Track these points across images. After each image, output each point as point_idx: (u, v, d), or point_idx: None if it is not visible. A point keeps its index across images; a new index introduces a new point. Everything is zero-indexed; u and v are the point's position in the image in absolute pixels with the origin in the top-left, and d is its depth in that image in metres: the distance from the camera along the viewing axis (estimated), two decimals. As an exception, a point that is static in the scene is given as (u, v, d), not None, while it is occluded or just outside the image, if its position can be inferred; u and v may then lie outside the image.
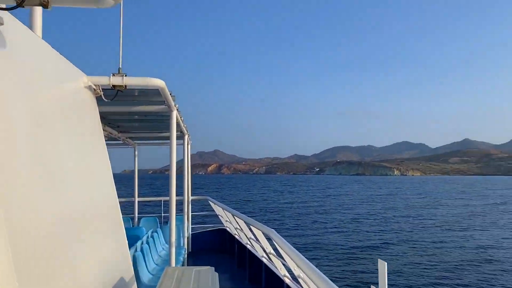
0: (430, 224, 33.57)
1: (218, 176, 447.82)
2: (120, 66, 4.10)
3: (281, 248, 3.78)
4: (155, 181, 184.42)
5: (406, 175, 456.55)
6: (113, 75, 3.98)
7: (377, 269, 2.52)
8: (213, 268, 3.21)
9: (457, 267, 18.49)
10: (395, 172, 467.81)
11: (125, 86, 4.04)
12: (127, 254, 4.02)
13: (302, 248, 21.16)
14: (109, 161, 3.99)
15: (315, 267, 2.66)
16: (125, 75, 4.00)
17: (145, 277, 6.14)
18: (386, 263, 2.46)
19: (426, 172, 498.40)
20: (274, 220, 36.11)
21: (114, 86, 4.00)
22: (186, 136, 9.19)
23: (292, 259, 3.28)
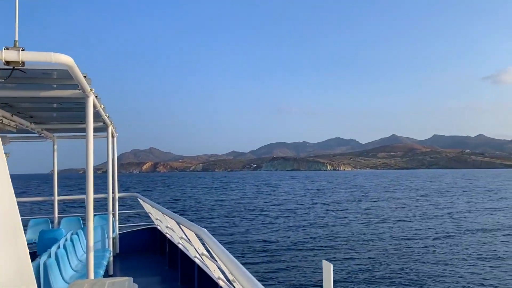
0: (361, 218, 34.71)
1: (154, 174, 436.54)
2: (17, 39, 3.28)
3: (211, 249, 3.49)
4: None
5: (338, 169, 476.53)
6: (7, 48, 3.16)
7: (321, 270, 2.37)
8: (131, 279, 2.87)
9: (390, 259, 19.08)
10: (328, 167, 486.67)
11: (23, 62, 3.24)
12: (28, 264, 3.37)
13: (237, 248, 20.69)
14: (4, 157, 3.30)
15: (245, 269, 2.46)
16: (23, 49, 3.19)
17: (60, 287, 5.33)
18: (331, 265, 2.34)
19: (356, 167, 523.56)
20: (208, 218, 35.47)
21: (8, 62, 3.20)
22: (110, 128, 8.08)
23: (222, 261, 3.04)
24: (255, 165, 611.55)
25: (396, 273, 16.57)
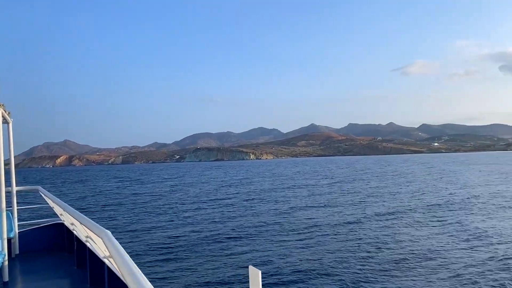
0: (281, 208, 34.99)
1: (69, 168, 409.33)
2: None
3: (112, 254, 3.23)
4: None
5: (261, 158, 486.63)
6: None
7: (247, 276, 2.14)
8: None
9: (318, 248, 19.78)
10: (251, 157, 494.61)
11: None
12: None
13: (142, 249, 19.82)
14: None
15: (142, 280, 2.12)
16: None
17: None
18: (260, 272, 2.13)
19: (278, 155, 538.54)
20: (117, 215, 33.90)
21: None
22: (1, 111, 7.15)
23: (120, 269, 2.75)
24: (178, 156, 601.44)
25: (312, 263, 17.13)
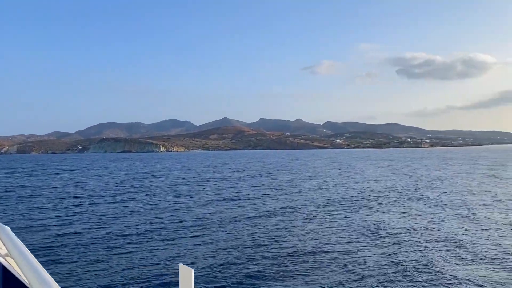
0: (196, 203, 34.73)
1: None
2: None
3: (10, 252, 2.97)
4: None
5: (171, 151, 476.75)
6: None
7: (176, 275, 2.08)
8: None
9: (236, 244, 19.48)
10: (162, 149, 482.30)
11: None
12: None
13: (51, 248, 18.12)
14: None
15: (48, 278, 2.04)
16: None
17: None
18: (192, 270, 2.02)
19: (189, 148, 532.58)
20: (16, 210, 30.67)
21: None
22: None
23: (20, 267, 2.55)
24: (81, 147, 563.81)
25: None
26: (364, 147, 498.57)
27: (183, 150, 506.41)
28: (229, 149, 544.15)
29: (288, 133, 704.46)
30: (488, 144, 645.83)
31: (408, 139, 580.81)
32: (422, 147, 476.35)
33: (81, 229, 22.49)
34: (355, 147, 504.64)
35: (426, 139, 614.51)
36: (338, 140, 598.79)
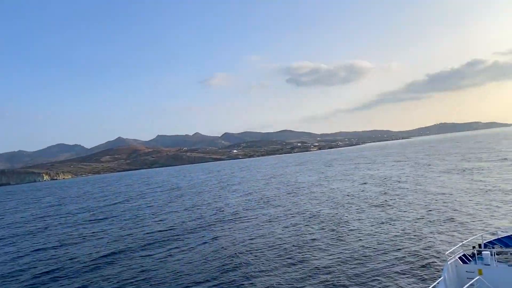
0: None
1: None
2: None
3: None
4: None
5: (56, 179, 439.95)
6: None
7: None
8: None
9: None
10: (45, 178, 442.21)
11: None
12: None
13: None
14: None
15: None
16: None
17: None
18: None
19: (78, 174, 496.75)
20: None
21: None
22: None
23: None
24: None
25: None
26: (258, 156, 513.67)
27: (70, 176, 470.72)
28: (123, 170, 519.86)
29: (186, 148, 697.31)
30: (370, 142, 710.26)
31: (299, 144, 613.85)
32: (311, 150, 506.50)
33: None
34: (250, 156, 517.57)
35: (315, 143, 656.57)
36: (235, 151, 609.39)
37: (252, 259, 20.72)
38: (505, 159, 66.99)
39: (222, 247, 23.72)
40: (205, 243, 25.73)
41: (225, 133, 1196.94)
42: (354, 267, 17.98)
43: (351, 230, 25.64)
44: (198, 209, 43.02)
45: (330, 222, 28.81)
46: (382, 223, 26.93)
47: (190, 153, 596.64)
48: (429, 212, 28.91)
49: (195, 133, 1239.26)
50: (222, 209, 40.78)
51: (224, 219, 34.77)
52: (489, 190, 36.12)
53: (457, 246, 13.77)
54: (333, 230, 26.13)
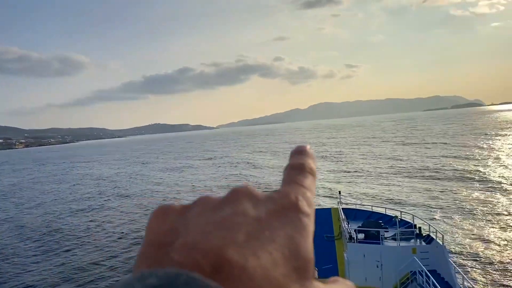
0: None
1: None
2: None
3: None
4: None
5: None
6: None
7: None
8: None
9: None
10: None
11: None
12: None
13: None
14: None
15: None
16: None
17: None
18: None
19: None
20: None
21: None
22: None
23: None
24: None
25: None
26: None
27: None
28: None
29: None
30: (86, 140, 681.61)
31: (1, 141, 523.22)
32: (16, 148, 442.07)
33: None
34: None
35: (23, 139, 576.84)
36: None
37: None
38: (211, 158, 76.67)
39: None
40: None
41: None
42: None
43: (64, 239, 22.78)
44: None
45: (36, 232, 24.78)
46: (97, 226, 25.33)
47: None
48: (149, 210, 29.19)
49: None
50: None
51: None
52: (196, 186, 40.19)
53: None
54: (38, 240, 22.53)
